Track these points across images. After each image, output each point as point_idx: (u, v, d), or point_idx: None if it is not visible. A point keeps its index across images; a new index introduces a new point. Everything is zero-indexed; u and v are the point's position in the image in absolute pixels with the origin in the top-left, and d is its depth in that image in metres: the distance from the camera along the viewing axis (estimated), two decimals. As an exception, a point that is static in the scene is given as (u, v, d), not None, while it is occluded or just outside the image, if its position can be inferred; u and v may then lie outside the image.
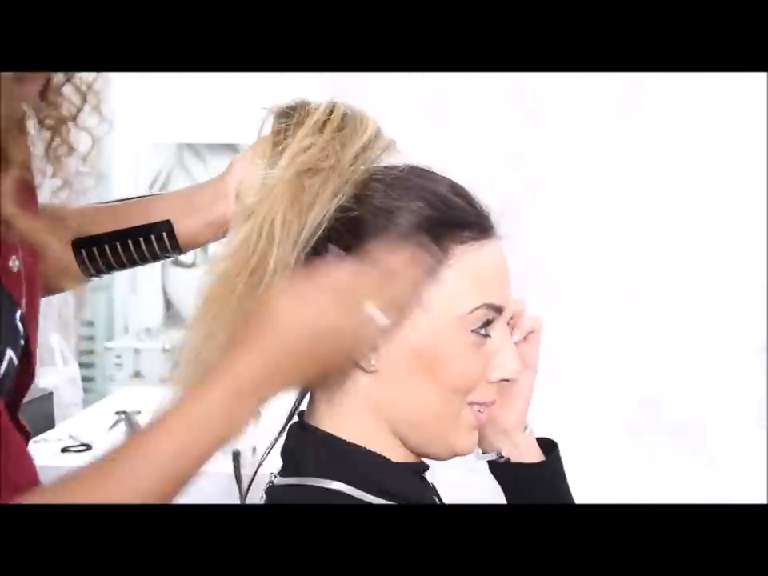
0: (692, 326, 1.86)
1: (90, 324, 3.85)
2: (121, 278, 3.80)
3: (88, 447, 1.63)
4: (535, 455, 0.81)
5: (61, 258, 0.73)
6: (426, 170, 0.74)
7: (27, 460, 0.66)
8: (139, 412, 1.85)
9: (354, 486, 0.69)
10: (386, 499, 0.70)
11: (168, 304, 3.86)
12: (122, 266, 0.85)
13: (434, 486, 0.80)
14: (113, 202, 0.88)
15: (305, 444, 0.73)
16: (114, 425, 1.79)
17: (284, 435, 0.77)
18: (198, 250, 0.86)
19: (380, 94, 1.73)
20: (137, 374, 3.72)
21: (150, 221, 0.82)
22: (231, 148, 3.46)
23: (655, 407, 1.87)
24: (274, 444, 0.78)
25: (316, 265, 0.68)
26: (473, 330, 0.70)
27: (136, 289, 3.88)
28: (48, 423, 1.80)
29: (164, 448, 0.59)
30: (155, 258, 0.83)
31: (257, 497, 0.76)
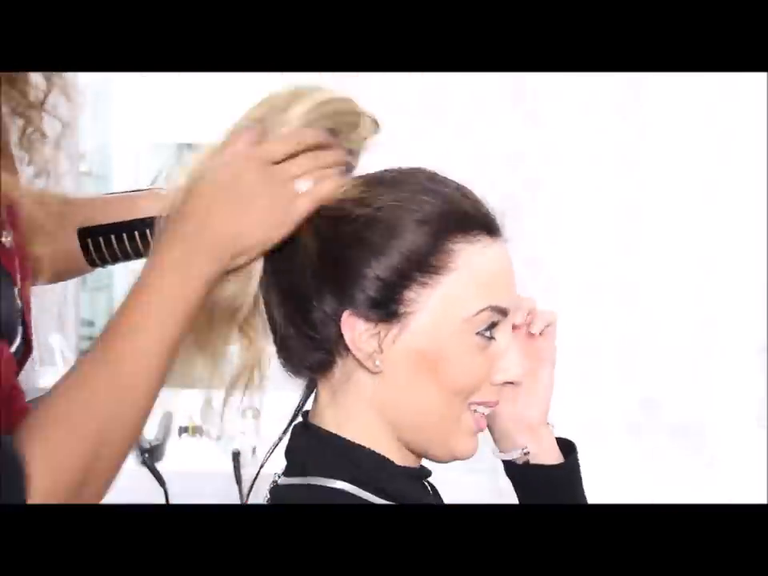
0: (692, 325, 1.85)
1: (90, 324, 3.85)
2: (121, 278, 3.80)
3: (88, 447, 1.62)
4: (555, 456, 0.81)
5: (64, 243, 0.77)
6: (434, 173, 0.73)
7: (18, 389, 0.67)
8: (139, 412, 1.85)
9: (359, 486, 0.70)
10: (388, 500, 0.70)
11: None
12: (121, 258, 0.89)
13: (435, 489, 0.80)
14: (113, 194, 0.94)
15: (309, 444, 0.73)
16: (114, 425, 1.79)
17: (287, 435, 0.77)
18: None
19: (380, 94, 1.73)
20: (137, 374, 3.71)
21: (147, 215, 0.85)
22: (231, 148, 3.45)
23: (655, 407, 1.87)
24: (277, 444, 0.78)
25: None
26: (478, 333, 0.70)
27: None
28: (48, 423, 1.79)
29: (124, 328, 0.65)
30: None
31: (257, 497, 0.76)
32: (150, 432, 1.64)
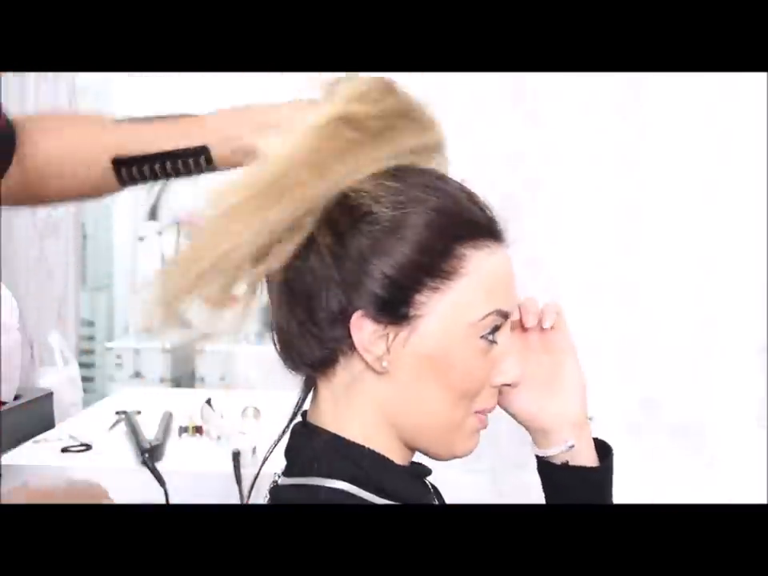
0: (692, 325, 1.85)
1: (90, 324, 3.85)
2: (121, 278, 3.80)
3: (88, 447, 1.62)
4: (592, 457, 0.81)
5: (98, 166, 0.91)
6: (443, 175, 0.73)
7: None
8: (139, 412, 1.85)
9: (359, 486, 0.70)
10: (388, 500, 0.70)
11: (168, 304, 3.85)
12: (155, 178, 0.97)
13: (435, 488, 0.80)
14: (152, 117, 1.01)
15: (309, 443, 0.73)
16: (114, 425, 1.79)
17: (287, 435, 0.77)
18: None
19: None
20: (137, 374, 3.72)
21: (190, 144, 0.94)
22: (231, 148, 3.45)
23: (655, 407, 1.87)
24: (276, 443, 0.78)
25: None
26: (482, 336, 0.70)
27: (136, 289, 3.88)
28: (48, 423, 1.80)
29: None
30: (189, 174, 0.97)
31: (258, 497, 0.76)
32: (150, 432, 1.65)
